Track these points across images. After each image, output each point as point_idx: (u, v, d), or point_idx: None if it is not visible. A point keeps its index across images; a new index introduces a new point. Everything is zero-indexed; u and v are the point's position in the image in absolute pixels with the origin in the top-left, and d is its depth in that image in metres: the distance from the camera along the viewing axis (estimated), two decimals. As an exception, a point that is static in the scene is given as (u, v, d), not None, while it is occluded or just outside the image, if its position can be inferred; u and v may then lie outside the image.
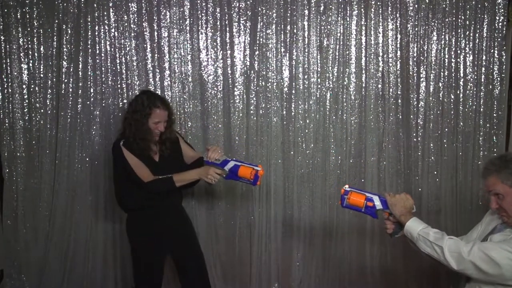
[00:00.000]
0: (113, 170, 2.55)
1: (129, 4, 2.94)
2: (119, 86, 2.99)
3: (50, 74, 2.98)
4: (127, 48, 2.97)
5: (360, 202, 2.04)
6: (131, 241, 2.57)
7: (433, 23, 3.00)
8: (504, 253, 1.66)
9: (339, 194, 3.05)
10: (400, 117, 3.05)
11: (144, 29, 2.96)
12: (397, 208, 1.93)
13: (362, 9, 2.98)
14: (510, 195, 1.76)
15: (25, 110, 3.00)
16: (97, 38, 2.95)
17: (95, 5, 2.92)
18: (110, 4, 2.93)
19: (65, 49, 2.94)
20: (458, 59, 3.03)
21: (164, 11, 2.96)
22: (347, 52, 3.02)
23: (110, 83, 2.99)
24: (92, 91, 2.98)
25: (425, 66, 3.02)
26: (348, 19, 2.99)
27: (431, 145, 3.06)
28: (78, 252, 3.06)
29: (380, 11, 2.99)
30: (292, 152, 3.06)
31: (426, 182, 3.07)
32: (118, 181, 2.53)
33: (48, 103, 2.99)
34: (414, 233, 1.83)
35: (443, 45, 3.01)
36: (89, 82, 2.97)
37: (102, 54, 2.97)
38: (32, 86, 2.98)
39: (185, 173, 2.44)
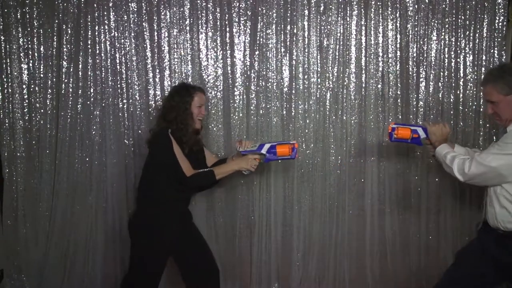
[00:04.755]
0: (152, 157, 2.44)
1: (129, 4, 2.94)
2: (119, 86, 2.99)
3: (50, 74, 2.98)
4: (127, 48, 2.98)
5: (407, 134, 2.41)
6: (139, 239, 2.42)
7: (433, 23, 3.00)
8: (493, 157, 2.02)
9: (340, 193, 3.10)
10: (400, 117, 3.05)
11: (144, 29, 2.97)
12: (435, 136, 2.32)
13: (362, 9, 2.99)
14: (503, 102, 2.09)
15: (25, 110, 3.00)
16: (97, 38, 2.95)
17: (95, 5, 2.92)
18: (110, 4, 2.93)
19: (65, 49, 2.94)
20: (458, 59, 3.03)
21: (164, 11, 2.96)
22: (347, 52, 3.02)
23: (110, 83, 2.99)
24: (92, 91, 2.98)
25: (424, 66, 3.03)
26: (348, 19, 3.00)
27: (431, 145, 3.06)
28: (78, 252, 3.06)
29: (380, 11, 2.99)
30: (292, 152, 3.05)
31: (425, 182, 3.07)
32: (153, 170, 2.42)
33: (48, 103, 2.99)
34: (440, 156, 2.26)
35: (443, 45, 3.01)
36: (89, 82, 2.98)
37: (102, 54, 2.97)
38: (32, 86, 2.98)
39: (224, 165, 2.49)
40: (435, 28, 3.00)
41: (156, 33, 2.97)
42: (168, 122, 2.43)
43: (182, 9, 2.97)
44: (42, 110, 3.00)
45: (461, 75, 3.03)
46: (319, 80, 3.04)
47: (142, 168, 2.53)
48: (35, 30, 2.94)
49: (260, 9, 2.97)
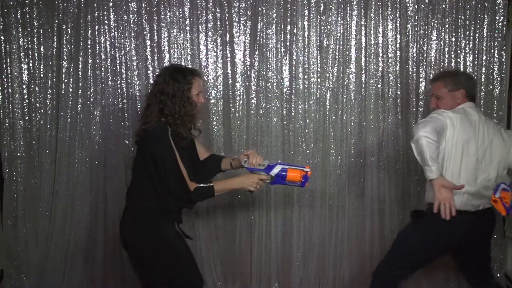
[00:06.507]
0: (149, 157, 2.05)
1: (129, 4, 2.94)
2: (119, 86, 2.99)
3: (50, 74, 2.98)
4: (127, 48, 2.98)
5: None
6: (152, 260, 2.10)
7: (433, 23, 3.00)
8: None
9: (340, 193, 3.09)
10: (400, 117, 3.05)
11: (144, 29, 2.97)
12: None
13: (362, 9, 2.99)
14: (447, 97, 2.34)
15: (25, 110, 2.99)
16: (97, 38, 2.95)
17: (95, 5, 2.92)
18: (110, 4, 2.93)
19: (65, 49, 2.94)
20: (458, 59, 3.03)
21: (164, 11, 2.96)
22: (347, 52, 3.02)
23: (110, 83, 2.99)
24: (92, 91, 2.98)
25: (424, 66, 3.03)
26: (348, 19, 3.00)
27: (431, 145, 3.06)
28: (78, 252, 3.06)
29: (380, 11, 2.99)
30: (292, 152, 3.06)
31: (425, 182, 3.06)
32: (156, 174, 2.06)
33: (48, 103, 2.99)
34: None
35: (443, 45, 3.01)
36: (89, 82, 2.98)
37: (102, 54, 2.97)
38: (32, 86, 2.98)
39: (225, 182, 2.22)
40: (435, 28, 3.00)
41: (156, 33, 2.97)
42: (167, 116, 2.08)
43: (182, 9, 2.97)
44: (42, 110, 2.99)
45: (461, 75, 3.03)
46: (319, 80, 3.04)
47: (133, 171, 2.21)
48: (35, 30, 2.94)
49: (260, 9, 2.97)
